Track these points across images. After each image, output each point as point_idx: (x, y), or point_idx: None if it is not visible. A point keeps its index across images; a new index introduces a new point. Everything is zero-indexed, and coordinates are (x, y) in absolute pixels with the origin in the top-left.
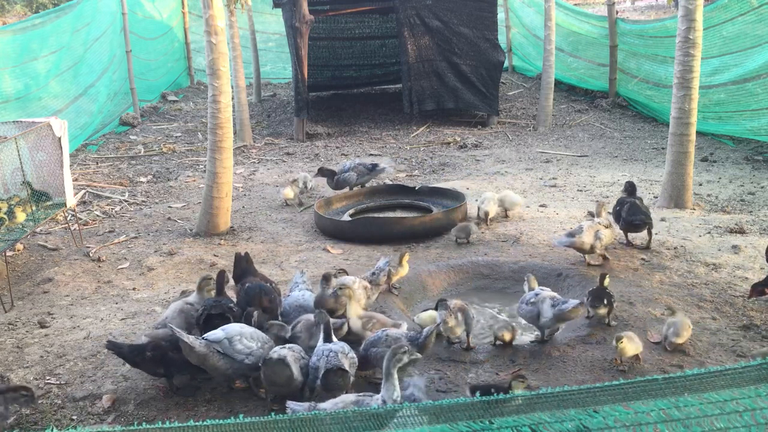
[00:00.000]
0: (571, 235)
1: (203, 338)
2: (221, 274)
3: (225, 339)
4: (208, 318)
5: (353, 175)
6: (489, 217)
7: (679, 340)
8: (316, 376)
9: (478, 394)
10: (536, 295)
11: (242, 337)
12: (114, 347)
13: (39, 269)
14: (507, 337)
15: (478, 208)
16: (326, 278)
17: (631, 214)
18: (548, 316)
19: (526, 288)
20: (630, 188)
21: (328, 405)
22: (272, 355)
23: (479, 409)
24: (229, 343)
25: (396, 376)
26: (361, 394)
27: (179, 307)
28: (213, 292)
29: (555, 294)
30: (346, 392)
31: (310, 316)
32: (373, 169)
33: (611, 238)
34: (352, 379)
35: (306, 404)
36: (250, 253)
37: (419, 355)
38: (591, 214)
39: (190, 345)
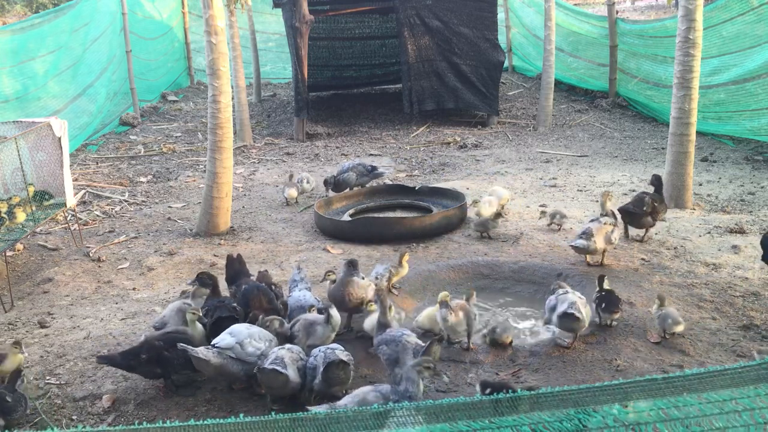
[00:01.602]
0: (586, 237)
1: (214, 347)
2: (211, 276)
3: (236, 344)
4: (216, 321)
5: (352, 175)
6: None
7: (680, 328)
8: (314, 376)
9: (488, 391)
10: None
11: (251, 338)
12: (105, 360)
13: (39, 269)
14: (508, 340)
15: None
16: (353, 264)
17: (632, 204)
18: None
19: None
20: (656, 182)
21: (346, 400)
22: (265, 364)
23: (482, 408)
24: (241, 347)
25: (418, 381)
26: (376, 384)
27: (178, 306)
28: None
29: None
30: (346, 392)
31: (308, 316)
32: (372, 171)
33: (617, 238)
34: (352, 374)
35: (325, 406)
36: (250, 253)
37: (445, 379)
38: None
39: (204, 359)
